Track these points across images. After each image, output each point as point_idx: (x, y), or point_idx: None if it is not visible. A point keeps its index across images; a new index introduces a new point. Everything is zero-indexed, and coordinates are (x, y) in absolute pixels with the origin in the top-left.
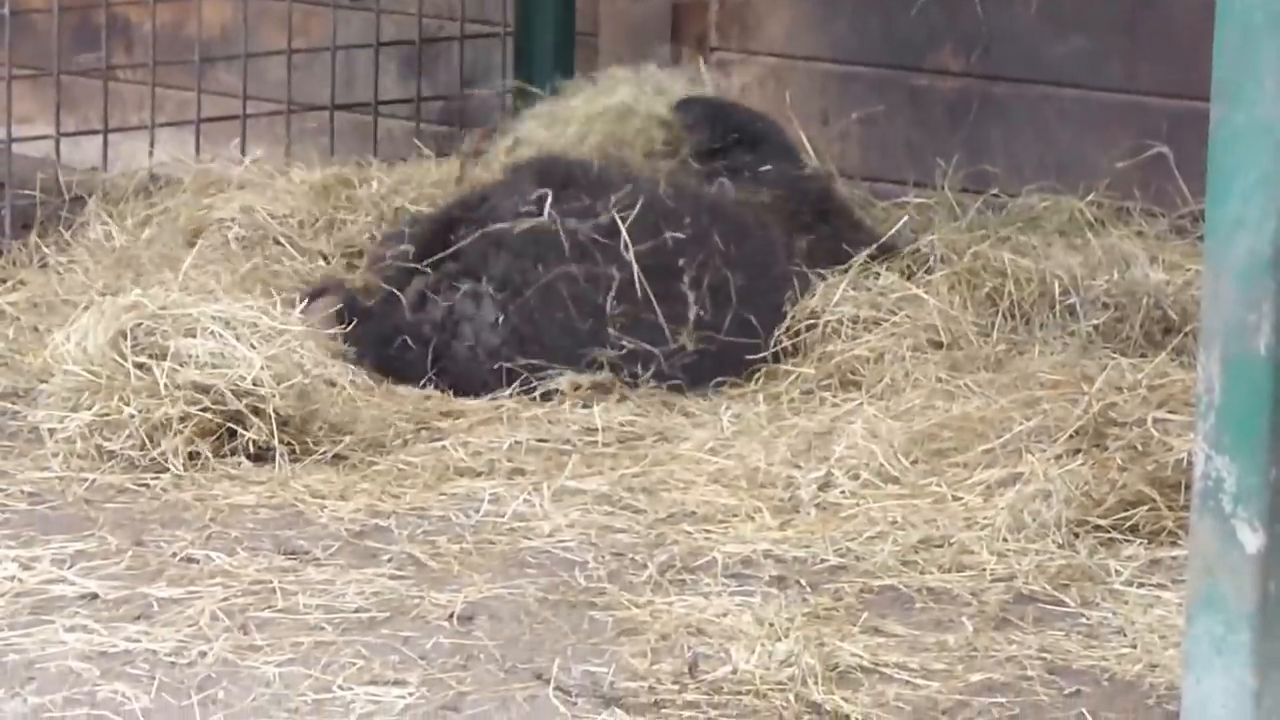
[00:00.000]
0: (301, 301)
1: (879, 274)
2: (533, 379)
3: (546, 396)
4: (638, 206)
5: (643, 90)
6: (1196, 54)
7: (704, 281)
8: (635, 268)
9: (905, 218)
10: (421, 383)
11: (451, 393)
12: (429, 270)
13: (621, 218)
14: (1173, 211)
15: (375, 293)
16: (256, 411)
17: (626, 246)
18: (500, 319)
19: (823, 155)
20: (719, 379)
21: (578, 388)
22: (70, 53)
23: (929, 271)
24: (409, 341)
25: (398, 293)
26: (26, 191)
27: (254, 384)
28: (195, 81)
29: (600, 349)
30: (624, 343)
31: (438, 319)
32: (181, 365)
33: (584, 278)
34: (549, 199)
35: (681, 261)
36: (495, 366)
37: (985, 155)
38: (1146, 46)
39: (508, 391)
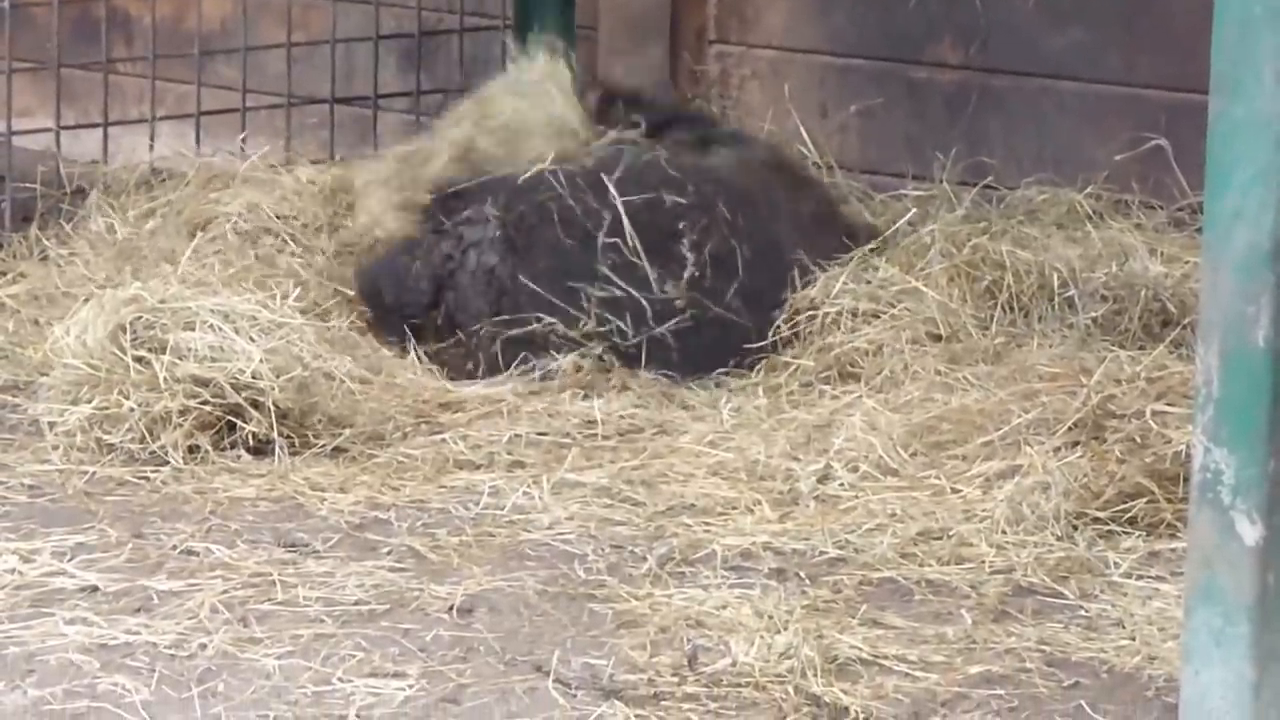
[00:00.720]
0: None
1: (878, 267)
2: (529, 354)
3: (547, 377)
4: (638, 168)
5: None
6: (1195, 47)
7: (705, 248)
8: (625, 219)
9: (913, 209)
10: (423, 315)
11: (452, 333)
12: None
13: (620, 177)
14: (1171, 204)
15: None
16: (255, 405)
17: (615, 200)
18: (498, 234)
19: (821, 148)
20: (717, 361)
21: (579, 369)
22: (70, 46)
23: (928, 265)
24: (419, 272)
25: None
26: (27, 184)
27: (253, 377)
28: (195, 75)
29: (592, 283)
30: (615, 287)
31: (445, 249)
32: (181, 359)
33: (581, 211)
34: (549, 159)
35: (682, 225)
36: (490, 287)
37: (984, 148)
38: (1145, 39)
39: (505, 373)
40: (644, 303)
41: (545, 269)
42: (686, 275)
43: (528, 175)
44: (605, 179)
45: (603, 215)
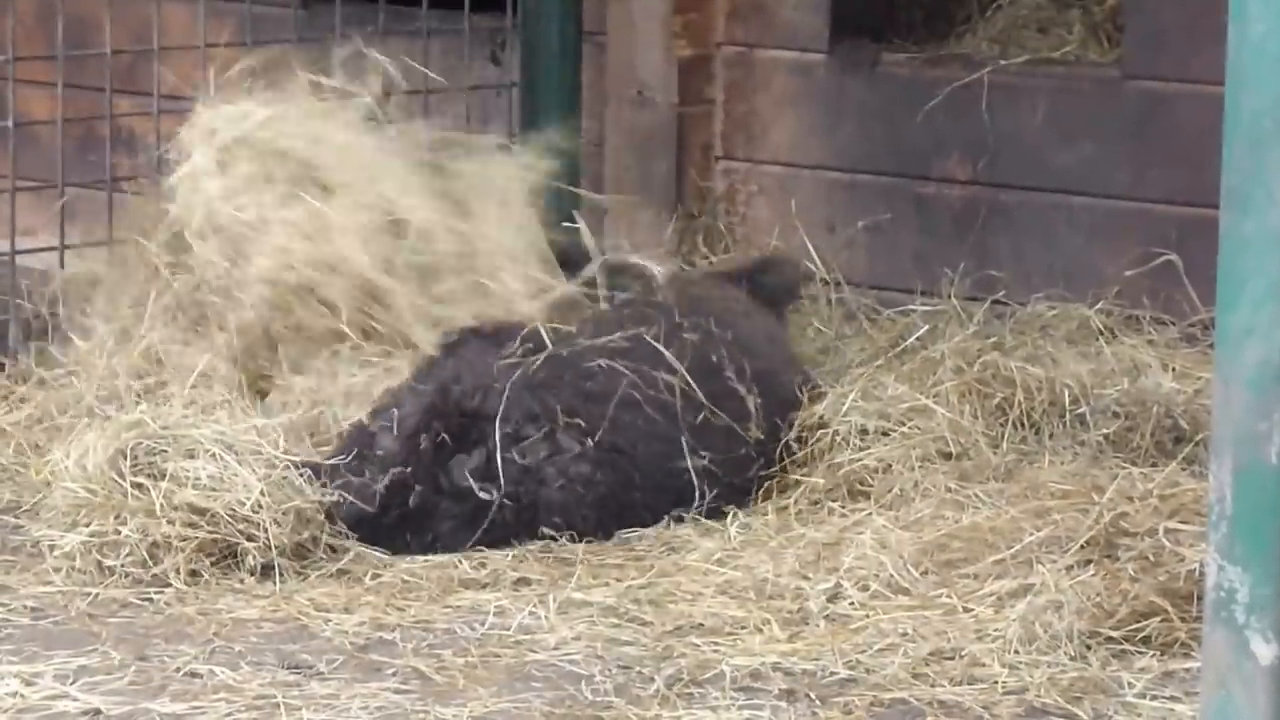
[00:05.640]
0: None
1: (887, 384)
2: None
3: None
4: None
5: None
6: (1205, 161)
7: (745, 374)
8: (684, 373)
9: (924, 327)
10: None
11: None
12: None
13: (644, 334)
14: (1182, 319)
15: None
16: (252, 539)
17: (673, 363)
18: (588, 445)
19: (829, 264)
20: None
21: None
22: (74, 164)
23: (938, 381)
24: (496, 506)
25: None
26: (31, 300)
27: (252, 510)
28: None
29: (688, 455)
30: (703, 452)
31: (516, 475)
32: (180, 486)
33: (645, 383)
34: (543, 332)
35: (714, 358)
36: (592, 500)
37: (993, 263)
38: (1154, 153)
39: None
40: (743, 454)
41: (643, 457)
42: (754, 410)
43: (544, 362)
44: (653, 342)
45: (669, 383)
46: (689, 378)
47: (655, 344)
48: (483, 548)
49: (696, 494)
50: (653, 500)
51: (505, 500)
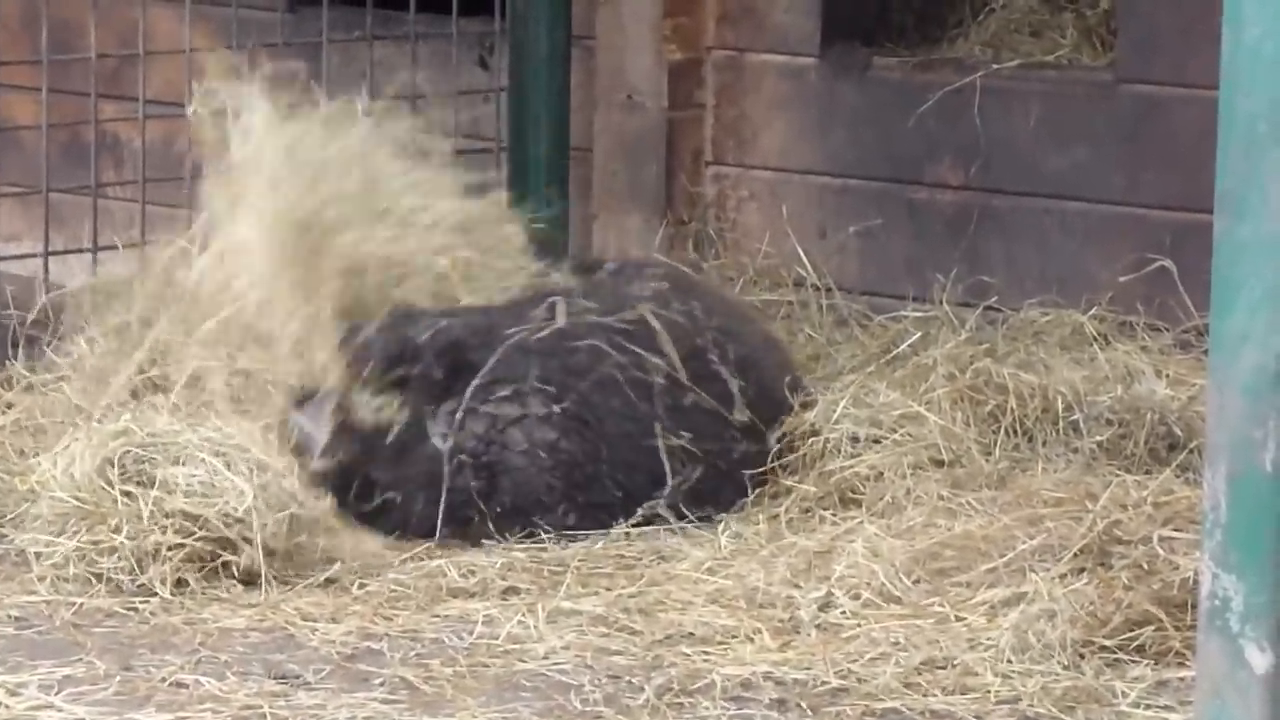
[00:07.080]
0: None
1: (879, 391)
2: (587, 516)
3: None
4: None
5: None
6: (1199, 165)
7: (729, 356)
8: (675, 357)
9: (916, 334)
10: (467, 516)
11: (504, 520)
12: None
13: (654, 313)
14: (1177, 326)
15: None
16: (246, 540)
17: (664, 340)
18: (554, 410)
19: (820, 269)
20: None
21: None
22: (59, 170)
23: (930, 388)
24: (456, 466)
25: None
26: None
27: (243, 514)
28: (185, 198)
29: (662, 437)
30: (682, 433)
31: (480, 431)
32: (169, 494)
33: (631, 366)
34: (560, 305)
35: (699, 341)
36: (553, 465)
37: (985, 269)
38: (1148, 158)
39: (566, 519)
40: (726, 436)
41: (613, 434)
42: (736, 393)
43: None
44: (650, 321)
45: (648, 360)
46: (677, 363)
47: (654, 323)
48: (450, 527)
49: (669, 473)
50: (624, 477)
51: (464, 457)
